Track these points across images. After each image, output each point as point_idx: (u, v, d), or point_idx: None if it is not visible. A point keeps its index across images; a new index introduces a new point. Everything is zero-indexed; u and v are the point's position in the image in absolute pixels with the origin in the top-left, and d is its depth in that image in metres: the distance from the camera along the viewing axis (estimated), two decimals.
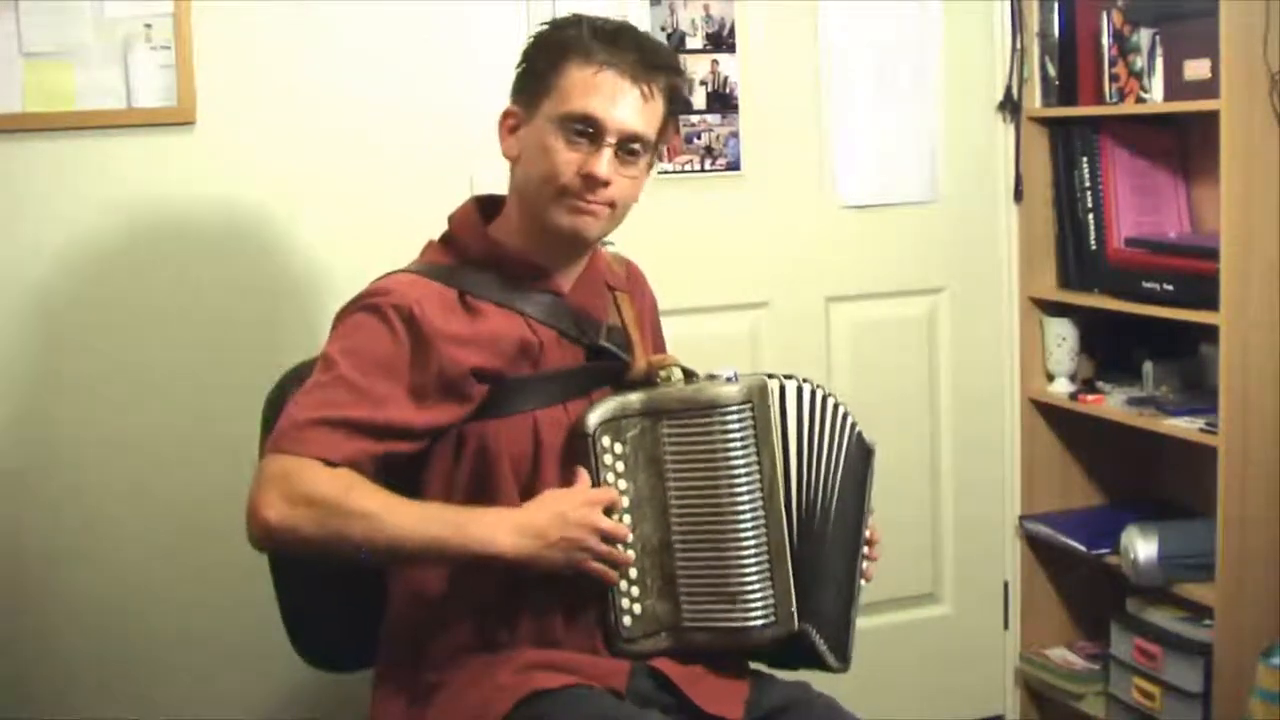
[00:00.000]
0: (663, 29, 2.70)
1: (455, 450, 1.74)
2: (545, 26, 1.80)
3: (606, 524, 1.70)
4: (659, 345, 2.01)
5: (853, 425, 1.85)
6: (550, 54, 1.75)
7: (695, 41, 2.73)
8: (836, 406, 1.83)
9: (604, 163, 1.71)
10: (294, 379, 1.83)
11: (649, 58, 1.75)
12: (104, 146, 2.36)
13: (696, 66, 2.72)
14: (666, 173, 2.73)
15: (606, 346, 1.82)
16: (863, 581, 1.88)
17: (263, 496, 1.61)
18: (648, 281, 2.04)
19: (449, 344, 1.69)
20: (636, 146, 1.75)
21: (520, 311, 1.77)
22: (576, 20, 1.77)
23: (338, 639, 1.95)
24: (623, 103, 1.72)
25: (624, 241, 2.46)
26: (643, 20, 2.67)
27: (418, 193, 2.46)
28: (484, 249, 1.80)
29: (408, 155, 2.53)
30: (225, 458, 2.37)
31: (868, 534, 1.89)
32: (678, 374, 1.81)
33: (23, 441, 2.37)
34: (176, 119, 2.38)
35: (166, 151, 2.39)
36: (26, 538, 2.38)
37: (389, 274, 1.79)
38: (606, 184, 1.72)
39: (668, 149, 2.72)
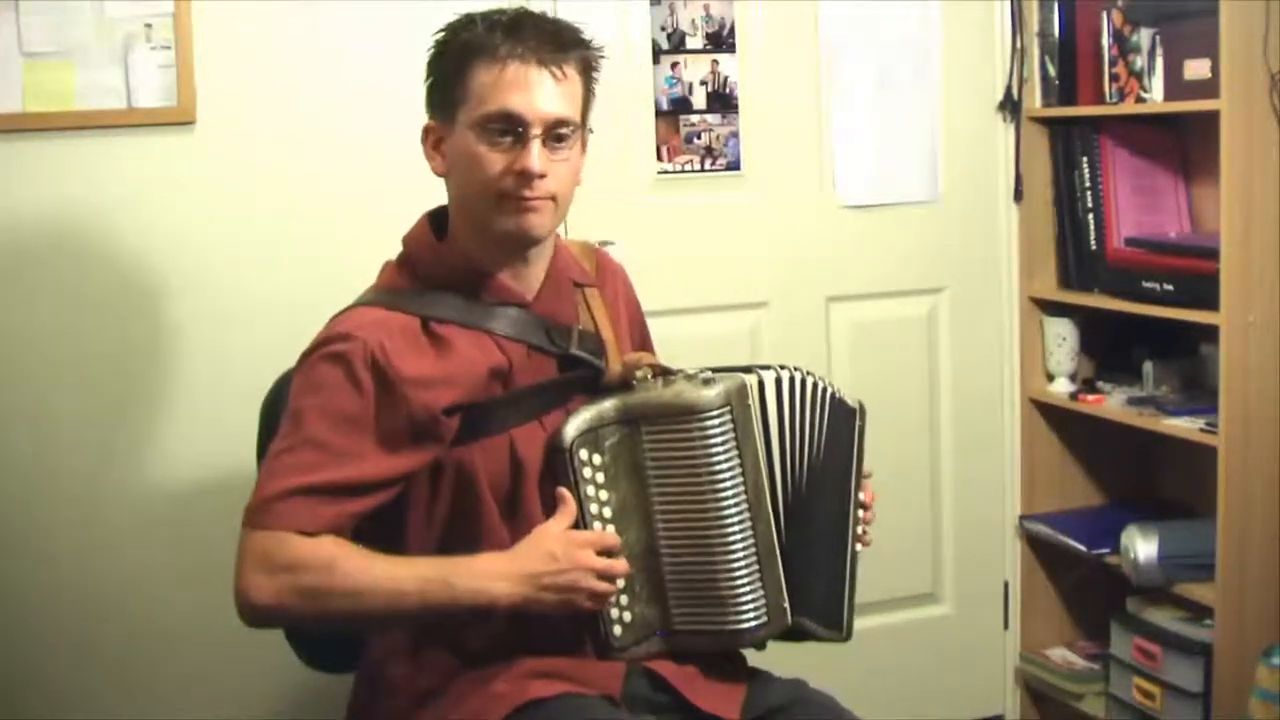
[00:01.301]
0: (663, 29, 2.70)
1: (432, 480, 1.70)
2: (442, 33, 1.74)
3: (600, 563, 1.66)
4: (638, 334, 1.97)
5: (832, 397, 1.82)
6: (454, 60, 1.71)
7: (695, 41, 2.73)
8: (815, 385, 1.80)
9: (534, 157, 1.66)
10: (290, 381, 1.82)
11: (553, 39, 1.70)
12: (104, 146, 2.36)
13: (696, 66, 2.73)
14: (667, 173, 2.73)
15: (579, 355, 1.77)
16: (859, 547, 1.85)
17: (246, 579, 1.60)
18: (621, 267, 1.98)
19: (417, 388, 1.64)
20: (564, 131, 1.70)
21: (487, 331, 1.72)
22: (471, 19, 1.72)
23: (334, 639, 1.94)
24: (538, 92, 1.67)
25: (624, 241, 2.47)
26: (643, 20, 2.68)
27: (417, 193, 2.43)
28: (440, 268, 1.75)
29: (408, 156, 2.50)
30: (224, 457, 2.37)
31: (863, 497, 1.86)
32: (655, 374, 1.77)
33: (21, 441, 2.37)
34: (176, 119, 2.38)
35: (166, 151, 2.39)
36: (24, 538, 2.38)
37: (349, 309, 1.74)
38: (542, 176, 1.67)
39: (668, 149, 2.72)
